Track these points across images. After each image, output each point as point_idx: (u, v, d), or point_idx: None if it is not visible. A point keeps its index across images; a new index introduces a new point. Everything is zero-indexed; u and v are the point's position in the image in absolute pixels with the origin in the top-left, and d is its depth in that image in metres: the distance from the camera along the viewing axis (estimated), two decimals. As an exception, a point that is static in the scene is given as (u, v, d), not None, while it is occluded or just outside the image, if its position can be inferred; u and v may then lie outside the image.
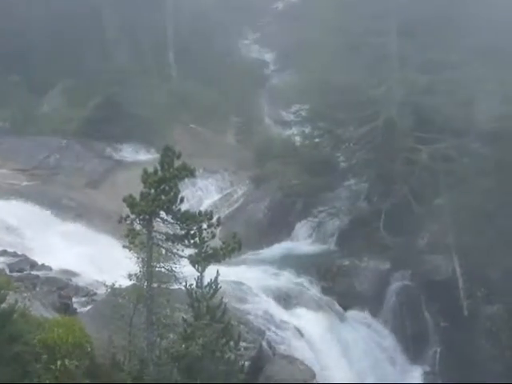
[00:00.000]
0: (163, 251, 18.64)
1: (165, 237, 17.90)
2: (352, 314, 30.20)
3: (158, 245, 18.12)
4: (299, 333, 26.97)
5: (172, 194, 17.39)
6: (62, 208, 36.01)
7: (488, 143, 31.54)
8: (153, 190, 17.33)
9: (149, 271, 18.15)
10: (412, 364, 30.29)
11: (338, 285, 31.68)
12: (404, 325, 31.19)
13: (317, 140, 38.00)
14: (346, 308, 30.29)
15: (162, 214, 17.67)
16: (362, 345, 28.84)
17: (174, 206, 17.48)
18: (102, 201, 37.98)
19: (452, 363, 30.19)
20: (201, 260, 17.87)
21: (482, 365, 29.68)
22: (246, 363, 22.64)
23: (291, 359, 25.34)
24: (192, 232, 17.67)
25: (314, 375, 24.96)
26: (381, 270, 32.16)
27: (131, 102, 45.15)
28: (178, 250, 18.42)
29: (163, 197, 17.33)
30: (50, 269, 29.11)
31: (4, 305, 17.42)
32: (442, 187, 32.29)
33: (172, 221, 17.70)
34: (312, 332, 27.32)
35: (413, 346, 30.65)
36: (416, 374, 30.18)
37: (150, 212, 17.24)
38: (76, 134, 44.00)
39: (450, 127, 32.86)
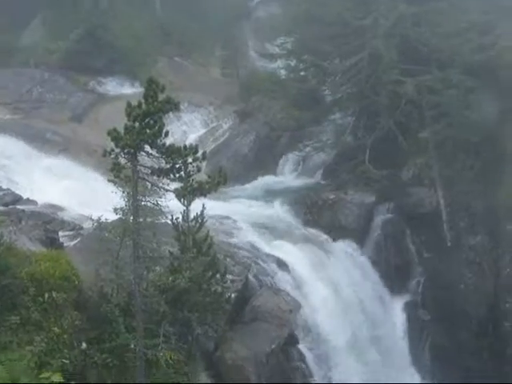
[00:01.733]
0: (149, 185, 18.59)
1: (150, 171, 17.80)
2: (337, 246, 30.49)
3: (144, 179, 18.04)
4: (285, 265, 27.27)
5: (157, 127, 17.21)
6: (47, 142, 35.75)
7: (473, 75, 31.38)
8: (137, 124, 17.14)
9: (134, 205, 18.14)
10: (396, 294, 30.85)
11: (323, 218, 31.88)
12: (388, 256, 31.63)
13: (302, 73, 37.64)
14: (331, 240, 30.55)
15: (147, 147, 17.54)
16: (347, 276, 29.23)
17: (158, 140, 17.32)
18: (86, 135, 37.70)
19: (434, 293, 30.82)
20: (186, 194, 17.84)
21: (464, 294, 30.35)
22: (233, 295, 23.00)
23: (277, 291, 25.73)
24: (177, 166, 17.57)
25: (299, 306, 25.41)
26: (366, 203, 32.34)
27: (114, 34, 44.39)
28: (163, 184, 18.36)
29: (148, 130, 17.15)
30: (36, 203, 29.07)
31: (-11, 238, 17.48)
32: (427, 120, 32.26)
33: (157, 155, 17.56)
34: (297, 264, 27.62)
35: (397, 276, 31.17)
36: (399, 303, 30.79)
37: (134, 146, 17.09)
38: (58, 67, 43.32)
39: (435, 59, 32.65)
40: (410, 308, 30.87)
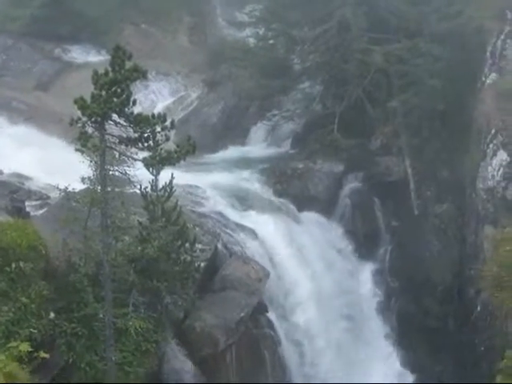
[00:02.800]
0: (116, 154, 18.47)
1: (118, 140, 17.67)
2: (306, 215, 30.64)
3: (111, 148, 17.91)
4: (254, 234, 27.37)
5: (124, 96, 17.04)
6: (12, 111, 35.22)
7: (441, 43, 31.49)
8: (104, 92, 16.95)
9: (102, 174, 18.03)
10: (364, 262, 31.19)
11: (292, 187, 31.97)
12: (356, 225, 31.91)
13: (271, 42, 37.39)
14: (300, 210, 30.69)
15: (115, 116, 17.38)
16: (316, 245, 29.45)
17: (126, 109, 17.17)
18: (52, 103, 37.15)
19: (402, 260, 31.20)
20: (155, 163, 17.76)
21: (430, 261, 30.76)
22: (202, 264, 23.08)
23: (246, 259, 25.86)
24: (145, 135, 17.46)
25: (268, 274, 25.58)
26: (334, 172, 32.50)
27: (79, 0, 43.53)
28: (131, 153, 18.27)
29: (115, 99, 16.98)
30: (1, 172, 28.70)
31: (-45, 209, 17.24)
32: (395, 89, 32.37)
33: (125, 123, 17.42)
34: (266, 233, 27.75)
35: (365, 245, 31.49)
36: (368, 271, 31.14)
37: (101, 114, 16.92)
38: (22, 34, 42.46)
39: (404, 28, 32.67)
40: (377, 276, 31.25)
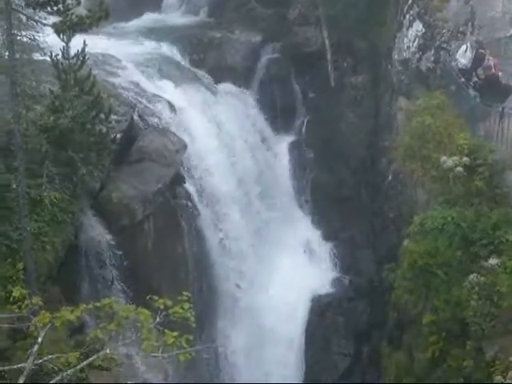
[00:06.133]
0: (24, 18, 17.54)
1: (24, 2, 16.71)
2: (223, 86, 30.29)
3: (18, 11, 16.98)
4: (170, 106, 26.96)
5: (29, -49, 16.01)
6: None
7: None
8: None
9: (9, 40, 17.13)
10: (281, 134, 31.49)
11: (209, 58, 31.36)
12: (274, 97, 31.90)
13: None
14: (217, 81, 30.28)
15: (20, -25, 16.39)
16: (233, 117, 29.36)
17: (31, -33, 16.17)
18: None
19: (318, 132, 31.65)
20: (66, 29, 16.97)
21: (345, 133, 31.26)
22: (118, 135, 22.74)
23: (163, 131, 25.61)
24: (54, -2, 16.55)
25: (185, 145, 25.52)
26: (252, 42, 32.05)
27: None
28: (40, 17, 17.37)
29: (19, -45, 15.95)
30: None
31: None
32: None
33: (32, -15, 16.45)
34: (183, 105, 27.40)
35: (282, 117, 31.67)
36: (284, 143, 31.50)
37: (4, -27, 15.91)
38: None
39: None
40: (294, 147, 31.67)
